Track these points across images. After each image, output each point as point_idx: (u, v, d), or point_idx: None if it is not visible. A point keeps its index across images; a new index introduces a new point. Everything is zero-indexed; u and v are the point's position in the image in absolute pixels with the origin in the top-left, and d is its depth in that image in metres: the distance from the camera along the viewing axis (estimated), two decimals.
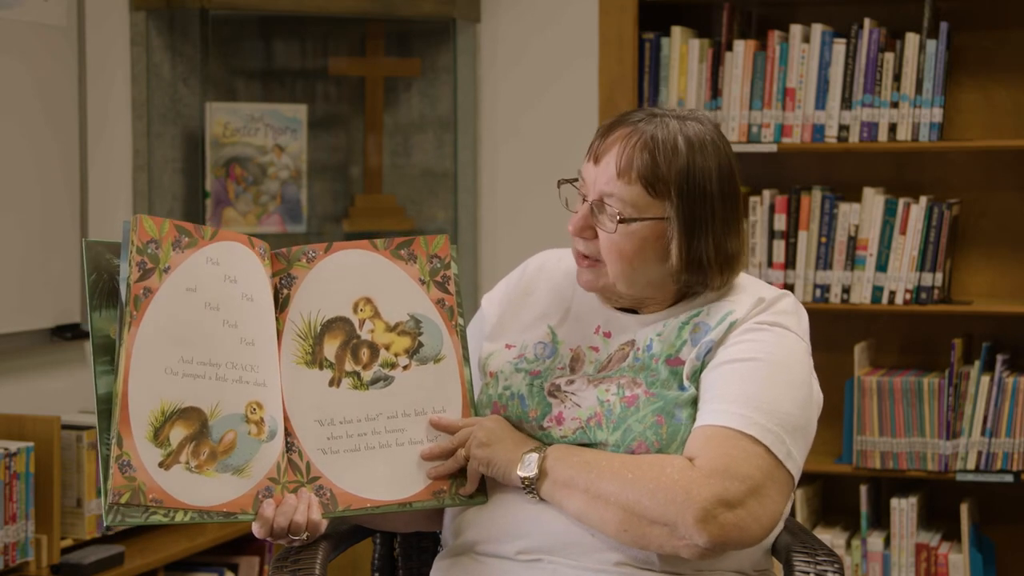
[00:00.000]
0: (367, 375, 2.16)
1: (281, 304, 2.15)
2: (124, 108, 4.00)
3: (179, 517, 2.02)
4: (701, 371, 2.13)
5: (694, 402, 2.12)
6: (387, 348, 2.18)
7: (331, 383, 2.15)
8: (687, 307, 2.19)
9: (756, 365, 2.10)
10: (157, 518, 2.00)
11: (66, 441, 3.45)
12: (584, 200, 2.17)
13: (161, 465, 2.01)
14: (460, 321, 2.21)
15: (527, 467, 2.11)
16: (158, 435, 2.01)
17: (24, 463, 3.31)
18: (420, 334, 2.19)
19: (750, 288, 2.21)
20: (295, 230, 4.22)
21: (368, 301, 2.18)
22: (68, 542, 3.46)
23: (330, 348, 2.16)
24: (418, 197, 4.44)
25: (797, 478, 2.11)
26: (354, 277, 2.18)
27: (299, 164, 4.23)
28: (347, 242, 2.20)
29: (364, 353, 2.17)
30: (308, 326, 2.15)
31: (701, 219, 2.13)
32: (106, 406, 2.01)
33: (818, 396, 2.19)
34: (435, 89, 4.42)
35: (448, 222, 4.37)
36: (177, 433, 2.03)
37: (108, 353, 2.03)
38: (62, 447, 3.42)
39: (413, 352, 2.18)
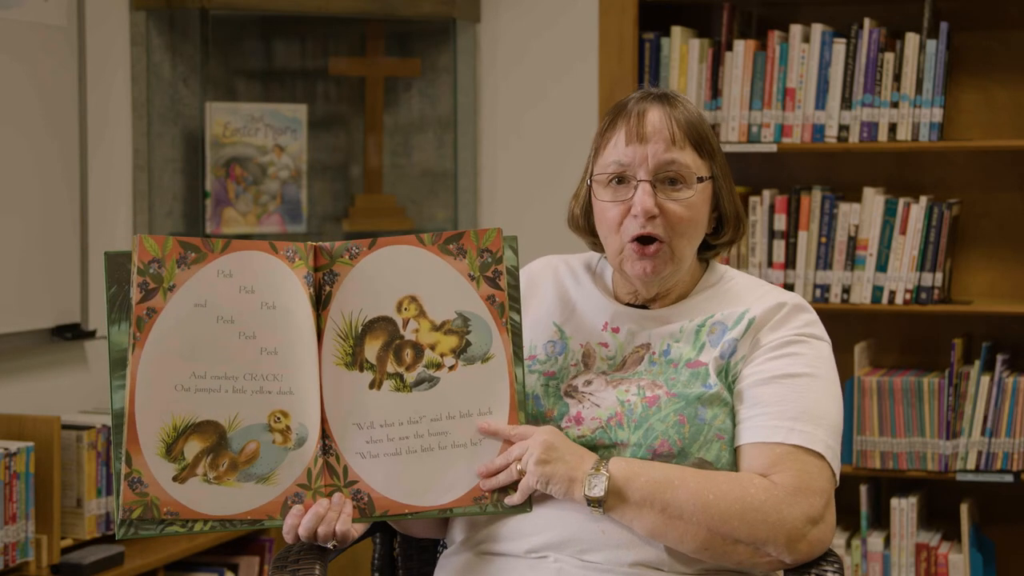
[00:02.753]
0: (410, 376, 2.12)
1: (324, 301, 2.12)
2: (124, 108, 4.00)
3: (199, 527, 2.02)
4: (727, 370, 2.17)
5: (720, 400, 2.15)
6: (432, 348, 2.12)
7: (372, 385, 2.11)
8: (695, 305, 2.23)
9: (807, 381, 2.16)
10: (174, 529, 2.01)
11: (66, 441, 3.45)
12: (635, 185, 2.17)
13: (176, 479, 2.02)
14: (514, 317, 2.15)
15: (595, 488, 2.08)
16: (171, 450, 2.02)
17: (24, 463, 3.31)
18: (468, 333, 2.13)
19: (757, 287, 2.26)
20: (295, 230, 4.22)
21: (413, 300, 2.13)
22: (68, 542, 3.46)
23: (371, 350, 2.11)
24: (418, 197, 4.44)
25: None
26: (399, 275, 2.13)
27: (299, 164, 4.23)
28: (392, 238, 2.14)
29: (408, 354, 2.12)
30: (349, 326, 2.12)
31: (727, 174, 2.24)
32: (120, 421, 2.02)
33: None
34: (435, 89, 4.42)
35: (448, 222, 4.37)
36: (192, 447, 2.04)
37: (124, 367, 2.04)
38: (62, 447, 3.42)
39: (460, 352, 2.13)
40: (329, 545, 2.08)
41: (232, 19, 4.27)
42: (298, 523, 2.06)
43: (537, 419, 2.19)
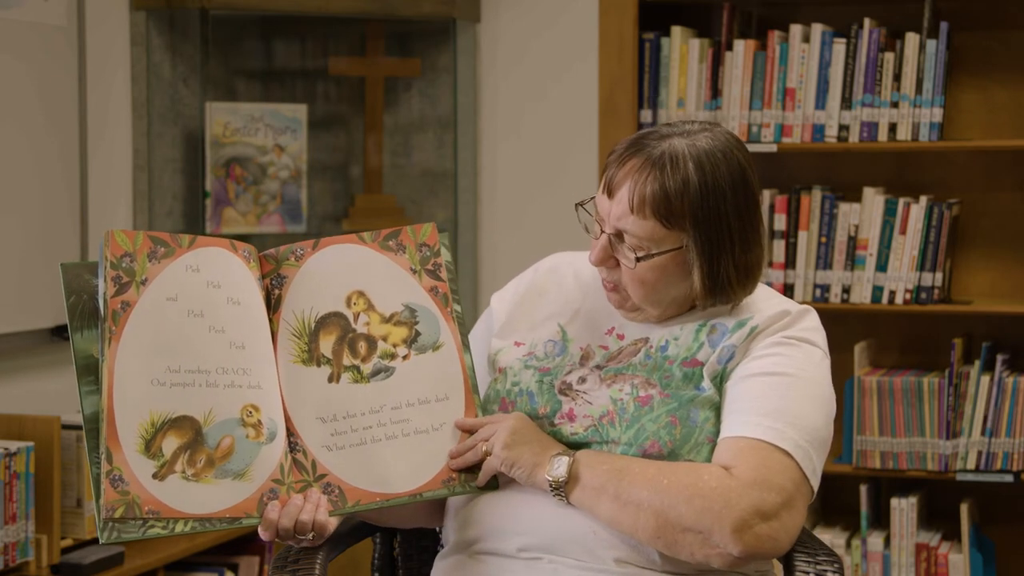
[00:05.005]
0: (367, 368, 2.15)
1: (274, 305, 2.14)
2: (124, 108, 4.00)
3: (179, 528, 2.00)
4: (723, 376, 2.14)
5: (712, 404, 2.13)
6: (385, 339, 2.16)
7: (330, 379, 2.14)
8: (705, 313, 2.20)
9: (788, 380, 2.12)
10: (155, 531, 1.98)
11: (66, 441, 3.44)
12: (602, 230, 2.17)
13: (155, 476, 2.00)
14: (456, 307, 2.20)
15: (556, 470, 2.09)
16: (150, 447, 2.01)
17: (24, 463, 3.31)
18: (416, 323, 2.18)
19: (768, 299, 2.22)
20: (295, 230, 4.22)
21: (361, 294, 2.17)
22: (68, 542, 3.46)
23: (326, 344, 2.15)
24: (418, 197, 4.44)
25: (815, 493, 2.13)
26: (344, 271, 2.18)
27: (299, 164, 4.23)
28: (334, 237, 2.20)
29: (362, 346, 2.16)
30: (302, 324, 2.14)
31: (718, 242, 2.12)
32: (93, 426, 2.01)
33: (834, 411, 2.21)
34: (435, 89, 4.42)
35: (448, 222, 4.37)
36: (170, 443, 2.02)
37: (92, 373, 2.03)
38: (62, 447, 3.42)
39: (411, 341, 2.17)
40: (308, 536, 2.07)
41: (232, 19, 4.28)
42: (276, 519, 2.04)
43: (530, 416, 2.18)
